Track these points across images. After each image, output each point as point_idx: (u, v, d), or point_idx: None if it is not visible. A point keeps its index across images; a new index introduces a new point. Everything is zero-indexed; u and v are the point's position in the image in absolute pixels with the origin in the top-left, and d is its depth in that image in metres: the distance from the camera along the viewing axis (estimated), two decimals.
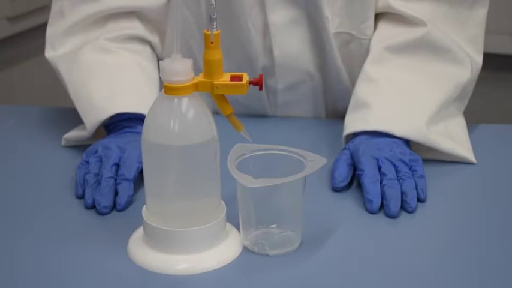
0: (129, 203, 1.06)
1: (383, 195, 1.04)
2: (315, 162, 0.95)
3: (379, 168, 1.08)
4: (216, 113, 0.94)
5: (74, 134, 1.23)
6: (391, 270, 0.94)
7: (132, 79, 1.21)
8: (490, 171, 1.18)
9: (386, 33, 1.24)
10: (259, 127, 1.30)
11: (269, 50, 1.27)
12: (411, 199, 1.04)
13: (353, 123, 1.17)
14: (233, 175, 0.93)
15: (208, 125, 0.92)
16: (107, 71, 1.21)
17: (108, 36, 1.24)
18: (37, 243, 0.99)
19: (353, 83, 1.27)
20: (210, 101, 0.94)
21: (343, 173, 1.10)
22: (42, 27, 1.28)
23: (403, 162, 1.09)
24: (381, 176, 1.07)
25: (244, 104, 1.32)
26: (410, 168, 1.09)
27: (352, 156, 1.13)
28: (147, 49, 1.28)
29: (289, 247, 0.97)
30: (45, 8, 1.26)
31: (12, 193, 1.12)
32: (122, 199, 1.05)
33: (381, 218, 1.04)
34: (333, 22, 1.24)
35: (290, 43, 1.27)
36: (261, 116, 1.35)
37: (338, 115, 1.32)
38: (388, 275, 0.93)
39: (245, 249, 0.97)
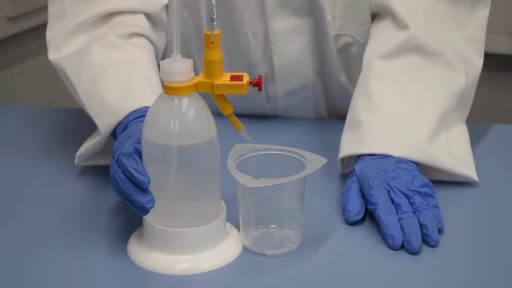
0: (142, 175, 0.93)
1: (401, 230, 0.99)
2: (315, 162, 0.95)
3: (392, 200, 1.03)
4: (216, 113, 0.94)
5: (86, 146, 1.13)
6: (390, 270, 0.94)
7: (146, 75, 1.14)
8: (490, 171, 1.17)
9: (378, 40, 1.19)
10: (259, 127, 1.30)
11: (269, 58, 1.27)
12: (432, 232, 0.98)
13: (350, 144, 1.12)
14: (233, 175, 0.93)
15: (208, 125, 0.92)
16: (119, 68, 1.14)
17: (117, 32, 1.18)
18: (37, 242, 0.99)
19: (352, 84, 1.27)
20: (210, 101, 0.94)
21: (357, 206, 1.03)
22: (42, 27, 1.27)
23: (416, 191, 1.03)
24: (395, 209, 1.01)
25: (245, 109, 1.31)
26: (423, 196, 1.03)
27: (360, 183, 1.07)
28: (153, 48, 1.25)
29: (289, 247, 0.97)
30: (45, 8, 1.24)
31: (12, 193, 1.12)
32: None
33: None
34: (334, 25, 1.24)
35: (290, 51, 1.26)
36: (261, 116, 1.35)
37: (340, 115, 1.32)
38: (387, 275, 0.93)
39: (245, 249, 0.97)
